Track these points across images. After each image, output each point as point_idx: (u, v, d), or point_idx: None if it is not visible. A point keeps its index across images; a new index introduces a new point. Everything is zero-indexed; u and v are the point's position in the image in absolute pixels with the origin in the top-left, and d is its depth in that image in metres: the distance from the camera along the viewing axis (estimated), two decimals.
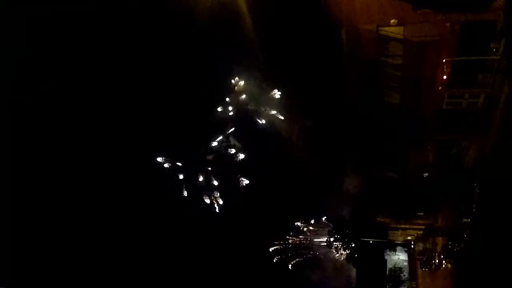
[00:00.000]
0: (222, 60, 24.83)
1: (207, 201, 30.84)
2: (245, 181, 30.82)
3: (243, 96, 27.97)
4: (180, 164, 29.44)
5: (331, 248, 38.01)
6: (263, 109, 28.41)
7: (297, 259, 41.29)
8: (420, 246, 34.89)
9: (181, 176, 29.84)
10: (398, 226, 36.71)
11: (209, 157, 29.80)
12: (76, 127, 26.12)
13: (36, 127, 25.08)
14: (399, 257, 41.36)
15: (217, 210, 31.13)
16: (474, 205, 23.50)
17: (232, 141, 29.53)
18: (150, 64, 24.24)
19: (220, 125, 28.66)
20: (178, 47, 23.61)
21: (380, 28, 21.89)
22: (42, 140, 25.33)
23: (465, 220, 24.75)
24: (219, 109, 28.31)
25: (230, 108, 28.52)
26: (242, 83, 27.12)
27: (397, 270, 40.53)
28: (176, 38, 22.88)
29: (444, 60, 21.67)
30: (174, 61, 24.85)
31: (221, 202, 30.95)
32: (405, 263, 40.88)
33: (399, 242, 39.45)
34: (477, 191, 23.17)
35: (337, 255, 38.74)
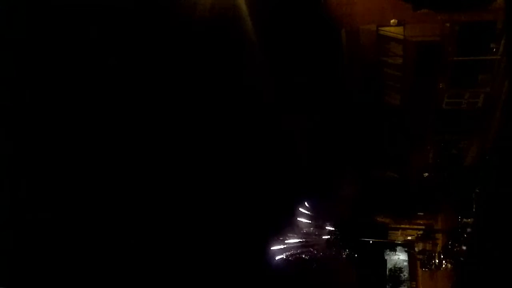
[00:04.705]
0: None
1: None
2: None
3: None
4: None
5: (331, 248, 38.02)
6: None
7: (297, 260, 41.29)
8: (420, 246, 34.95)
9: None
10: (398, 226, 36.77)
11: None
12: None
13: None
14: (399, 257, 41.46)
15: None
16: (474, 205, 23.50)
17: None
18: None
19: None
20: None
21: (380, 28, 21.89)
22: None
23: (465, 220, 24.76)
24: None
25: None
26: None
27: (397, 270, 40.62)
28: None
29: (444, 60, 21.70)
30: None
31: None
32: (405, 263, 40.98)
33: (399, 242, 39.53)
34: (477, 191, 23.17)
35: (336, 254, 38.76)
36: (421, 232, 34.35)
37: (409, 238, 37.87)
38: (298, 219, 39.03)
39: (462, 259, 25.38)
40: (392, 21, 21.07)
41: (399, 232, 38.21)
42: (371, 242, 36.64)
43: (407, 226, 36.40)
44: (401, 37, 21.87)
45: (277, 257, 39.16)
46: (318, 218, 39.84)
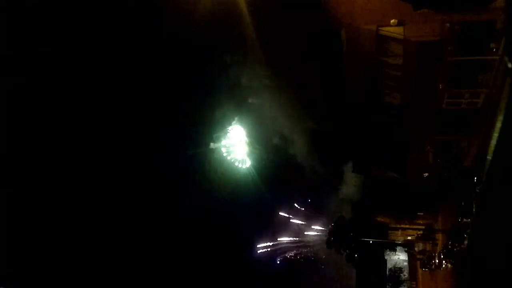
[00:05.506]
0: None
1: None
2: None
3: None
4: None
5: (331, 248, 37.99)
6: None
7: (297, 260, 41.29)
8: (420, 246, 34.90)
9: None
10: (398, 226, 36.72)
11: None
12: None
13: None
14: (399, 257, 41.39)
15: None
16: (474, 205, 23.46)
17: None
18: None
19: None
20: None
21: (380, 28, 21.90)
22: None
23: (465, 220, 24.72)
24: None
25: None
26: None
27: (397, 270, 40.56)
28: None
29: (444, 60, 21.69)
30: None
31: None
32: (405, 263, 40.91)
33: (399, 242, 39.47)
34: (477, 191, 23.13)
35: (337, 255, 38.73)
36: (421, 232, 34.29)
37: (409, 238, 37.81)
38: (296, 218, 39.05)
39: (462, 259, 25.37)
40: (392, 21, 21.08)
41: (399, 232, 38.15)
42: (371, 242, 36.60)
43: (407, 226, 36.35)
44: (401, 37, 21.88)
45: (277, 259, 39.13)
46: (317, 217, 39.84)
